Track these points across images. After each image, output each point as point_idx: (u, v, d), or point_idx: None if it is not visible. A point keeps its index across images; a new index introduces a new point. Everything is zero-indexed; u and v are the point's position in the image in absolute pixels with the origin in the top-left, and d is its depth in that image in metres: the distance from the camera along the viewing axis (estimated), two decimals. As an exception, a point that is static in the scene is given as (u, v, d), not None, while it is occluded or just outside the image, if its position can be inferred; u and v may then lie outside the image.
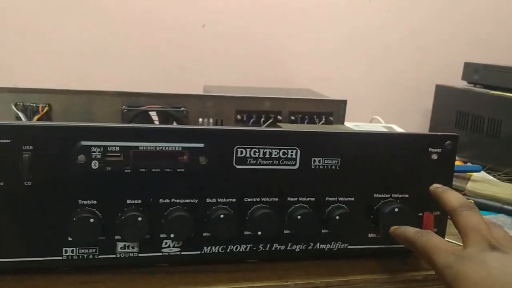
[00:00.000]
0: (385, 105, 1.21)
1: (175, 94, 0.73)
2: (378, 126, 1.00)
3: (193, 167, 0.47)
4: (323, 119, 0.79)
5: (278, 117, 0.76)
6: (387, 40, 1.21)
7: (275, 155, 0.49)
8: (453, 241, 0.58)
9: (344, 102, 0.80)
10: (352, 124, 0.96)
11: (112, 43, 1.05)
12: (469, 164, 0.91)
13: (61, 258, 0.46)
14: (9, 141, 0.42)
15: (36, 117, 0.66)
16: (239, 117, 0.74)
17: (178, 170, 0.47)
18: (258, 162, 0.49)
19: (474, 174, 0.77)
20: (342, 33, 1.19)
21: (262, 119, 0.75)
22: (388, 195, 0.53)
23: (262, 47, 1.15)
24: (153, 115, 0.71)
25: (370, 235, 0.53)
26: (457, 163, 0.91)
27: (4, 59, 0.99)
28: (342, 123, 0.80)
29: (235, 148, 0.48)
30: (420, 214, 0.54)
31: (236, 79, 1.12)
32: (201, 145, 0.47)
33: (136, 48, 1.07)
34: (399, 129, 0.99)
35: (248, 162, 0.48)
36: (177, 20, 1.08)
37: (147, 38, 1.07)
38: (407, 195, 0.53)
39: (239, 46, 1.13)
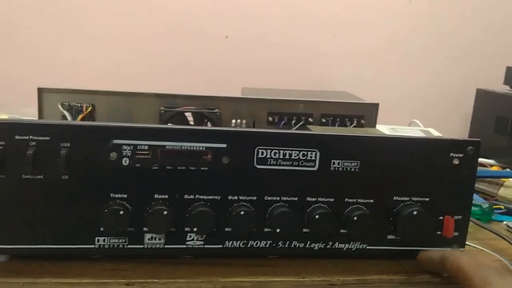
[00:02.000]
0: (424, 108, 1.20)
1: (210, 96, 0.76)
2: (415, 130, 1.00)
3: (216, 166, 0.50)
4: (355, 122, 0.80)
5: (309, 119, 0.78)
6: (427, 42, 1.20)
7: (294, 156, 0.51)
8: (475, 245, 0.59)
9: (376, 106, 0.80)
10: (389, 127, 0.97)
11: (153, 47, 1.10)
12: (507, 169, 0.89)
13: (93, 246, 0.50)
14: (49, 138, 0.47)
15: (80, 116, 0.71)
16: (270, 119, 0.77)
17: (201, 168, 0.50)
18: (278, 163, 0.51)
19: (508, 180, 0.76)
20: (381, 35, 1.19)
21: (293, 121, 0.77)
22: (408, 198, 0.54)
23: (301, 50, 1.16)
24: (188, 116, 0.74)
25: (389, 237, 0.54)
26: (495, 168, 0.90)
27: (52, 61, 1.06)
28: (374, 126, 0.81)
29: (256, 149, 0.50)
30: (441, 218, 0.54)
31: (275, 82, 1.15)
32: (224, 145, 0.50)
33: (177, 52, 1.11)
34: (436, 133, 0.98)
35: (268, 163, 0.51)
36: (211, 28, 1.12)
37: (186, 43, 1.11)
38: (427, 199, 0.54)
39: (280, 50, 1.15)
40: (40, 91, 0.71)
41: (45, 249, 0.49)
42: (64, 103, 0.72)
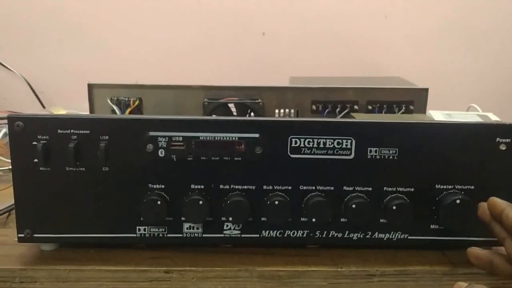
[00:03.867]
0: (484, 92, 1.14)
1: (254, 87, 0.76)
2: (473, 115, 0.95)
3: (249, 156, 0.50)
4: (403, 108, 0.78)
5: (355, 107, 0.77)
6: (487, 25, 1.13)
7: (329, 145, 0.50)
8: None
9: (425, 90, 0.78)
10: (443, 112, 0.93)
11: (202, 40, 1.11)
12: None
13: (135, 235, 0.52)
14: (89, 131, 0.49)
15: (128, 110, 0.74)
16: (314, 107, 0.76)
17: (235, 158, 0.50)
18: (312, 152, 0.50)
19: None
20: (438, 18, 1.14)
21: (338, 109, 0.76)
22: (451, 186, 0.52)
23: (352, 35, 1.14)
24: (232, 107, 0.75)
25: (432, 227, 0.53)
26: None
27: (102, 58, 1.10)
28: (424, 112, 0.78)
29: (289, 138, 0.50)
30: (488, 206, 0.52)
31: (326, 70, 1.13)
32: (257, 135, 0.50)
33: (226, 45, 1.12)
34: (495, 118, 0.93)
35: (302, 152, 0.50)
36: (263, 14, 1.12)
37: (233, 36, 1.12)
38: (472, 187, 0.51)
39: (330, 36, 1.13)
40: (90, 86, 0.75)
41: (90, 238, 0.51)
42: (113, 98, 0.75)
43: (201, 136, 0.50)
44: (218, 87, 0.77)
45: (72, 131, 0.49)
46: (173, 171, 0.50)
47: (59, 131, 0.49)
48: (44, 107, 1.05)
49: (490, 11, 1.13)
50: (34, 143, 0.48)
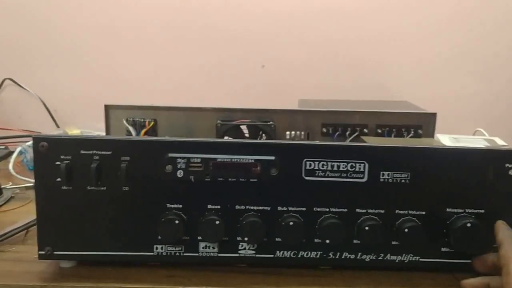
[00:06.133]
0: (490, 117, 1.15)
1: (265, 109, 0.78)
2: (479, 139, 0.97)
3: (265, 178, 0.51)
4: (412, 132, 0.79)
5: (364, 130, 0.78)
6: (494, 50, 1.15)
7: (343, 168, 0.52)
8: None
9: (433, 115, 0.79)
10: (451, 136, 0.94)
11: (213, 63, 1.14)
12: None
13: (152, 253, 0.53)
14: (110, 152, 0.50)
15: (143, 131, 0.75)
16: (324, 130, 0.77)
17: (251, 180, 0.52)
18: (326, 175, 0.52)
19: None
20: (446, 43, 1.16)
21: (348, 132, 0.77)
22: (462, 210, 0.53)
23: (363, 60, 1.16)
24: (244, 128, 0.76)
25: (443, 249, 0.54)
26: None
27: (116, 79, 1.12)
28: (432, 136, 0.80)
29: (304, 161, 0.51)
30: (498, 230, 0.53)
31: (335, 93, 1.15)
32: (272, 157, 0.51)
33: (236, 67, 1.15)
34: (501, 142, 0.94)
35: (316, 174, 0.52)
36: (275, 39, 1.14)
37: (245, 59, 1.14)
38: (482, 211, 0.53)
39: (340, 59, 1.15)
40: (107, 107, 0.77)
41: (108, 255, 0.53)
42: (128, 119, 0.76)
43: (219, 158, 0.51)
44: (230, 109, 0.79)
45: (94, 151, 0.50)
46: (190, 191, 0.52)
47: (81, 151, 0.50)
48: (58, 126, 1.07)
49: (497, 37, 1.15)
50: (58, 163, 0.50)
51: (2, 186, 0.77)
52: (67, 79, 1.11)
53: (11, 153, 0.86)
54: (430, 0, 1.13)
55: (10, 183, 0.81)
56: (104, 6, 1.10)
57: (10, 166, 0.84)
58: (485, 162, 0.52)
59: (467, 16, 1.14)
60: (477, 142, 0.94)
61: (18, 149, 0.88)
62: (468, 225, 0.51)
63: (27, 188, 0.80)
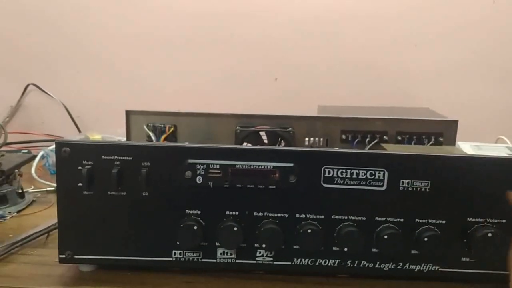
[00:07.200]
0: (513, 124, 1.13)
1: (284, 116, 0.78)
2: (502, 147, 0.95)
3: (283, 185, 0.52)
4: (433, 139, 0.78)
5: (384, 137, 0.77)
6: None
7: (362, 176, 0.52)
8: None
9: (455, 122, 0.78)
10: (472, 144, 0.93)
11: (233, 70, 1.14)
12: None
13: (171, 259, 0.53)
14: (131, 158, 0.51)
15: (163, 137, 0.76)
16: (344, 137, 0.77)
17: (270, 187, 0.52)
18: (345, 182, 0.52)
19: None
20: (468, 49, 1.15)
21: (367, 139, 0.77)
22: (483, 220, 0.52)
23: (382, 65, 1.16)
24: (263, 134, 0.77)
25: (463, 259, 0.53)
26: None
27: (137, 86, 1.14)
28: (453, 144, 0.79)
29: (322, 168, 0.51)
30: (520, 240, 0.52)
31: (355, 98, 1.15)
32: (291, 165, 0.51)
33: (255, 74, 1.15)
34: (524, 150, 0.93)
35: (335, 182, 0.52)
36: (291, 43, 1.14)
37: (264, 66, 1.15)
38: (504, 220, 0.52)
39: (361, 65, 1.15)
40: (128, 113, 0.77)
41: (127, 260, 0.53)
42: (149, 124, 0.77)
43: (238, 164, 0.51)
44: (249, 115, 0.79)
45: (115, 157, 0.51)
46: (209, 197, 0.52)
47: (103, 157, 0.51)
48: (80, 131, 1.09)
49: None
50: (79, 168, 0.51)
51: (25, 190, 0.78)
52: (89, 85, 1.13)
53: (34, 157, 0.87)
54: (451, 7, 1.12)
55: (32, 187, 0.83)
56: (127, 14, 1.12)
57: (33, 170, 0.86)
58: (506, 171, 0.51)
59: (489, 22, 1.13)
60: (499, 150, 0.92)
61: (41, 153, 0.90)
62: (489, 235, 0.51)
63: (49, 192, 0.81)
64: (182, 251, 0.53)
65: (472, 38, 1.14)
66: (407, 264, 0.53)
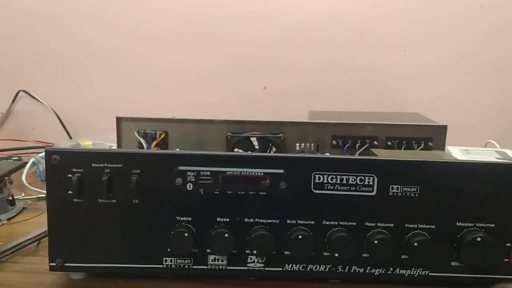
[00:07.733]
0: (501, 129, 1.14)
1: (275, 122, 0.78)
2: (491, 151, 0.96)
3: (274, 191, 0.52)
4: (422, 144, 0.79)
5: (374, 142, 0.78)
6: (506, 61, 1.15)
7: (352, 181, 0.52)
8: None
9: (444, 127, 0.79)
10: (461, 148, 0.94)
11: (223, 77, 1.15)
12: None
13: (161, 266, 0.53)
14: (121, 165, 0.51)
15: (154, 143, 0.76)
16: (334, 142, 0.78)
17: (260, 193, 0.52)
18: (335, 188, 0.52)
19: None
20: (457, 54, 1.16)
21: (358, 145, 0.77)
22: (472, 224, 0.52)
23: (371, 71, 1.16)
24: (254, 140, 0.77)
25: (453, 264, 0.53)
26: None
27: (128, 91, 1.14)
28: (443, 148, 0.79)
29: (313, 174, 0.52)
30: (508, 244, 0.52)
31: (345, 104, 1.16)
32: (281, 171, 0.52)
33: (247, 80, 1.15)
34: (513, 154, 0.94)
35: (325, 188, 0.52)
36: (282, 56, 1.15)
37: (255, 72, 1.15)
38: (493, 225, 0.52)
39: (349, 71, 1.16)
40: (119, 120, 0.77)
41: (118, 267, 0.53)
42: (140, 131, 0.77)
43: (228, 171, 0.52)
44: (241, 121, 0.79)
45: (105, 164, 0.51)
46: (200, 204, 0.52)
47: (93, 164, 0.51)
48: (71, 137, 1.09)
49: (510, 47, 1.15)
50: (69, 175, 0.51)
51: (15, 197, 0.78)
52: (80, 92, 1.13)
53: (25, 164, 0.87)
54: (439, 12, 1.13)
55: (23, 194, 0.82)
56: (116, 20, 1.12)
57: (23, 177, 0.85)
58: (495, 176, 0.52)
59: (480, 27, 1.14)
60: (488, 154, 0.93)
61: (31, 160, 0.89)
62: (478, 239, 0.51)
63: (39, 199, 0.81)
64: (173, 258, 0.53)
65: (461, 43, 1.15)
66: (398, 269, 0.53)
